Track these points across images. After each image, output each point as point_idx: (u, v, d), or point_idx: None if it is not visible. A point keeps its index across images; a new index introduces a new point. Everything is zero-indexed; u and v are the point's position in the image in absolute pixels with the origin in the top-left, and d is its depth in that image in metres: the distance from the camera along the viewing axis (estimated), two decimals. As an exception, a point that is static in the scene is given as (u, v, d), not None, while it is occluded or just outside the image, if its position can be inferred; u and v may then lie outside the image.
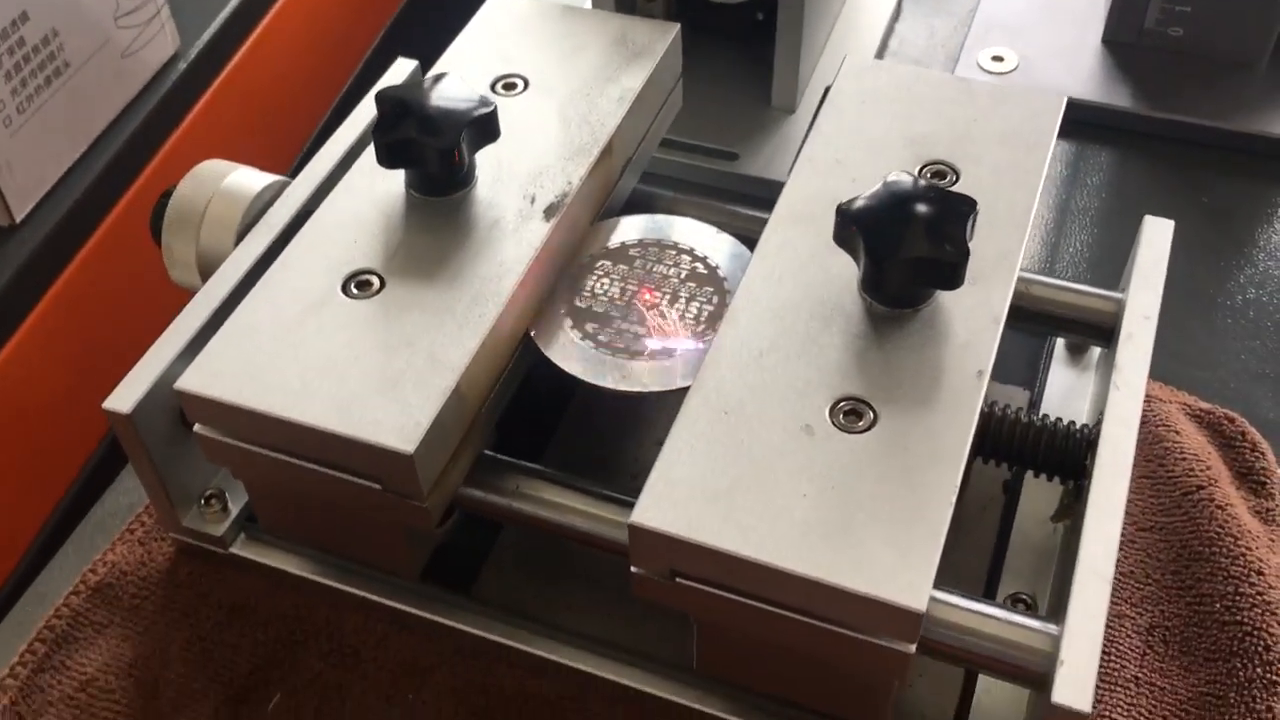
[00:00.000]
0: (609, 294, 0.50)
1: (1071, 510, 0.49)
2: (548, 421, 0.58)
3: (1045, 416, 0.48)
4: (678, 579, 0.41)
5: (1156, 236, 0.53)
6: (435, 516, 0.45)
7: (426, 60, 0.58)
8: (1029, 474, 0.51)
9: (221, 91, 0.80)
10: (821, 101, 0.76)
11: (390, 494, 0.44)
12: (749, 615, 0.40)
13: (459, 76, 0.50)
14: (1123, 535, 0.43)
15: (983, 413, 0.43)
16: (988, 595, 0.50)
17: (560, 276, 0.51)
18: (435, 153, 0.47)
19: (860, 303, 0.46)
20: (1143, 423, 0.48)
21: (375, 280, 0.47)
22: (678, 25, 0.57)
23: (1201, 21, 0.75)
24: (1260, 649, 0.48)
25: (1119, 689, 0.48)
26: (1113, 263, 0.68)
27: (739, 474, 0.41)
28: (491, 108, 0.49)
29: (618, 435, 0.57)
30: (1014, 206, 0.48)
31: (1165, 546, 0.53)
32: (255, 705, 0.50)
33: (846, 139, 0.51)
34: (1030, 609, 0.49)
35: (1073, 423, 0.48)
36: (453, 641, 0.50)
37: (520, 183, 0.50)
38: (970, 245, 0.43)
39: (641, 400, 0.48)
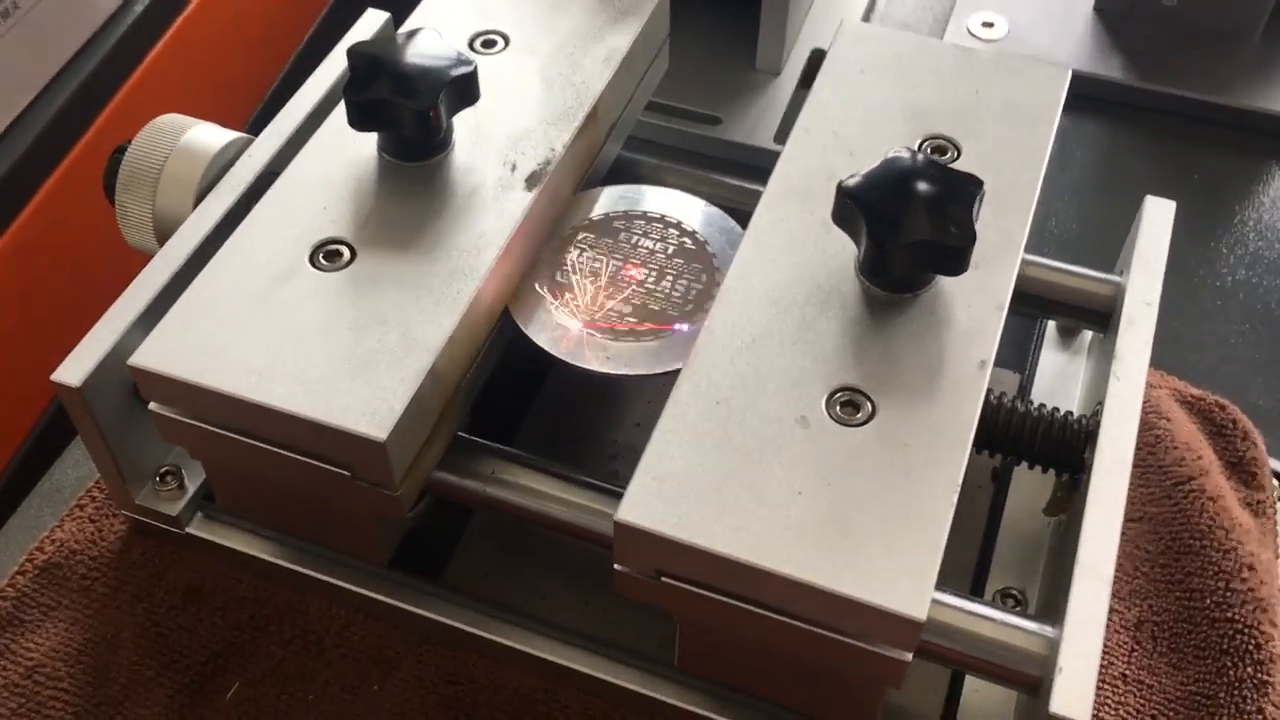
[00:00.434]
0: (592, 269, 0.48)
1: (1065, 504, 0.47)
2: (521, 400, 0.55)
3: (1042, 406, 0.47)
4: (663, 579, 0.39)
5: (1157, 218, 0.51)
6: (407, 505, 0.42)
7: (397, 12, 0.55)
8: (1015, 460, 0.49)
9: (176, 39, 0.76)
10: (807, 66, 0.74)
11: (360, 482, 0.41)
12: (738, 618, 0.38)
13: (435, 32, 0.47)
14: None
15: (982, 404, 0.41)
16: (975, 589, 0.49)
17: (541, 249, 0.48)
18: (411, 114, 0.44)
19: (858, 286, 0.43)
20: (1133, 410, 0.46)
21: (345, 251, 0.44)
22: (666, -19, 0.54)
23: (1196, -9, 0.73)
24: (1251, 647, 0.47)
25: (1106, 686, 0.47)
26: (1099, 240, 0.66)
27: (730, 469, 0.39)
28: (472, 67, 0.46)
29: (594, 416, 0.55)
30: (1017, 186, 0.46)
31: (1154, 538, 0.51)
32: (212, 694, 0.47)
33: (844, 109, 0.49)
34: (1020, 605, 0.48)
35: (1069, 413, 0.46)
36: (421, 630, 0.48)
37: (500, 148, 0.48)
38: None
39: (620, 380, 0.46)
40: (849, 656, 0.38)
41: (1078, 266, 0.52)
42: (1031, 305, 0.52)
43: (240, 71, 0.84)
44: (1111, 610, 0.48)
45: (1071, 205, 0.69)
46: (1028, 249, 0.46)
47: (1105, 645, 0.47)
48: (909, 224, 0.40)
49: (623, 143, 0.55)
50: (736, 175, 0.56)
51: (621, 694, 0.46)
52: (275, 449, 0.42)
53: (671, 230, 0.49)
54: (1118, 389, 0.45)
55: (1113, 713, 0.47)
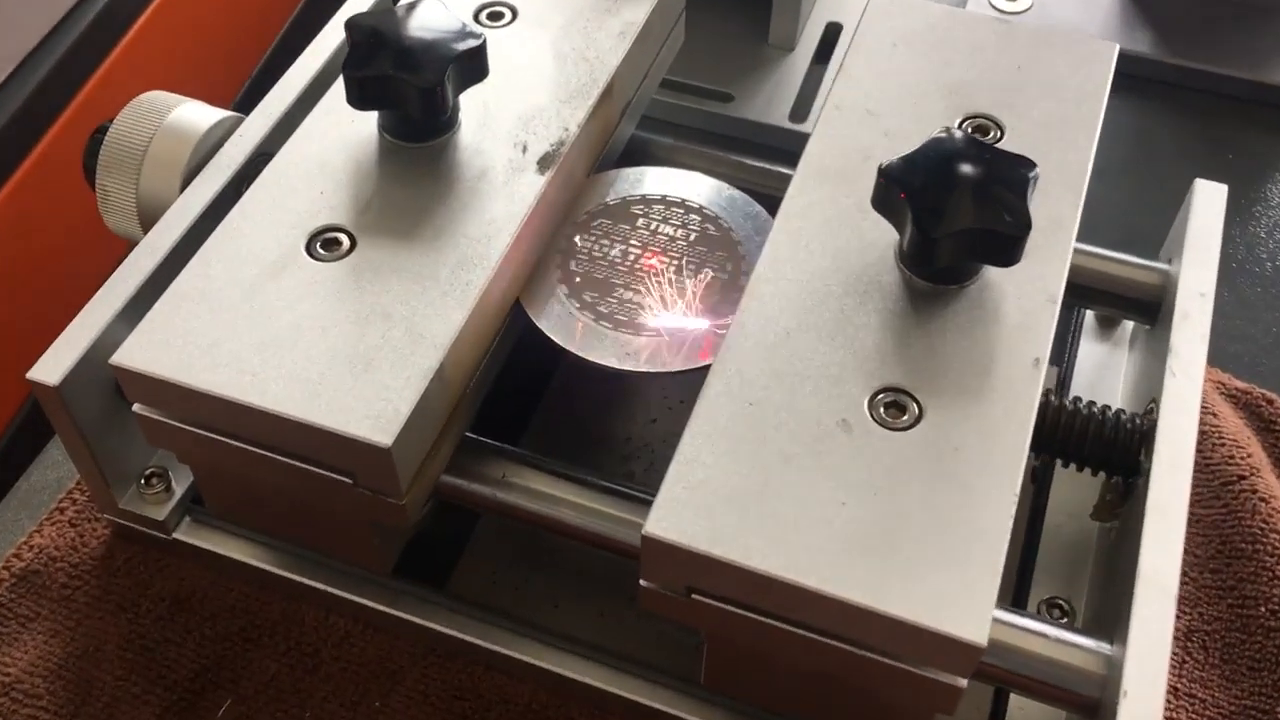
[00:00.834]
0: (609, 258, 0.44)
1: (1116, 508, 0.44)
2: (529, 395, 0.52)
3: (1092, 404, 0.44)
4: (695, 596, 0.36)
5: (1209, 203, 0.48)
6: (414, 514, 0.39)
7: (397, -17, 0.51)
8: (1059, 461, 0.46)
9: (160, 12, 0.73)
10: (822, 40, 0.71)
11: (362, 489, 0.38)
12: (776, 638, 0.35)
13: (440, 3, 0.44)
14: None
15: (1035, 405, 0.38)
16: (1018, 598, 0.46)
17: (554, 236, 0.45)
18: (416, 92, 0.41)
19: (899, 276, 0.40)
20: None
21: (345, 239, 0.41)
22: (683, -50, 0.51)
23: (1231, -38, 0.70)
24: (1310, 659, 0.44)
25: (1157, 700, 0.44)
26: (1130, 223, 0.63)
27: (767, 477, 0.35)
28: (480, 40, 0.42)
29: (607, 412, 0.52)
30: (1066, 167, 0.43)
31: (1203, 541, 0.49)
32: (202, 712, 0.45)
33: (878, 86, 0.46)
34: (1067, 616, 0.45)
35: (1121, 412, 0.43)
36: (425, 642, 0.45)
37: (510, 128, 0.44)
38: (1028, 215, 0.38)
39: (636, 374, 0.43)
40: (898, 681, 0.35)
41: (1119, 253, 0.49)
42: (1071, 294, 0.49)
43: (227, 46, 0.80)
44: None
45: (1099, 187, 0.65)
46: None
47: (1154, 657, 0.45)
48: (958, 211, 0.37)
49: (636, 123, 0.51)
50: (753, 155, 0.53)
51: (640, 711, 0.43)
52: (270, 454, 0.39)
53: (693, 215, 0.46)
54: (1175, 386, 0.42)
55: (1164, 729, 0.44)
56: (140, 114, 0.49)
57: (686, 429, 0.37)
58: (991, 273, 0.40)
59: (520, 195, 0.42)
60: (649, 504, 0.41)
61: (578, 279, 0.44)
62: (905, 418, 0.37)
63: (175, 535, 0.47)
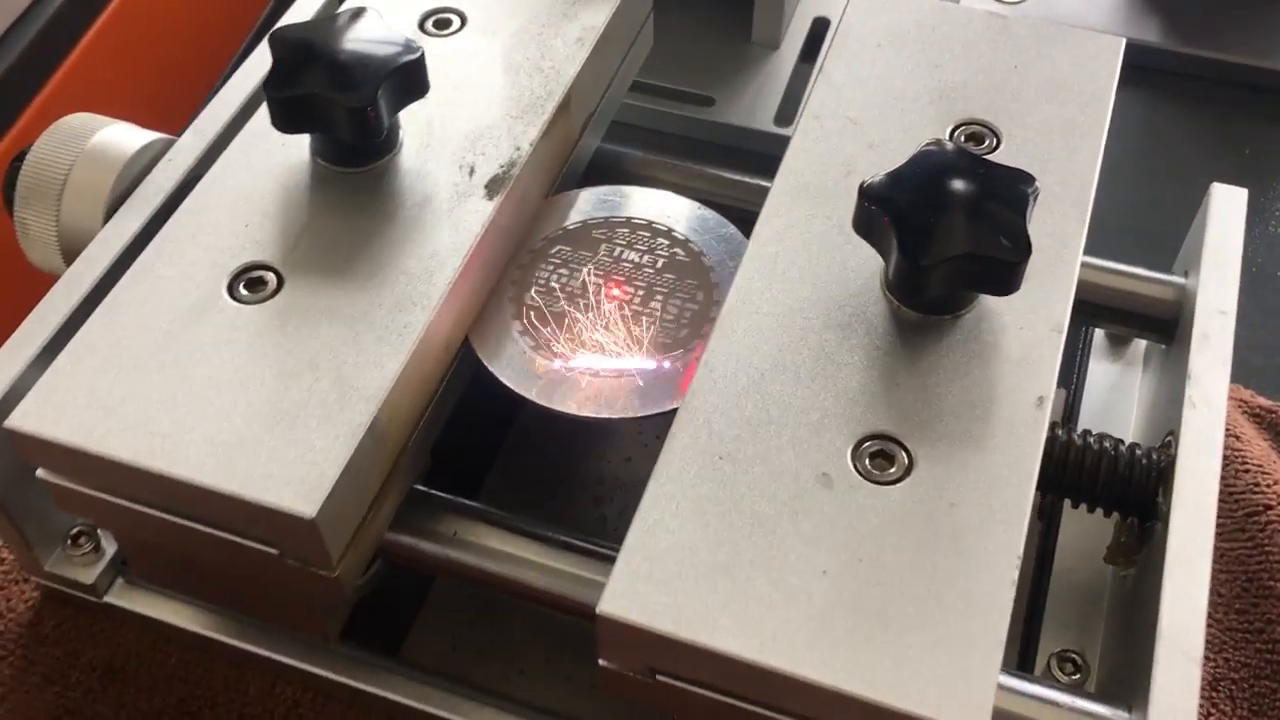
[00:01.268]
0: (568, 289, 0.40)
1: (1132, 552, 0.40)
2: (490, 434, 0.48)
3: (1103, 439, 0.39)
4: (659, 677, 0.32)
5: (1227, 210, 0.44)
6: (349, 586, 0.35)
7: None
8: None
9: (105, 31, 0.68)
10: (809, 37, 0.67)
11: (290, 561, 0.34)
12: (753, 725, 0.31)
13: (376, 12, 0.40)
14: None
15: (1040, 448, 0.34)
16: (1026, 649, 0.42)
17: (507, 267, 0.41)
18: (345, 113, 0.37)
19: (885, 306, 0.36)
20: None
21: (271, 278, 0.37)
22: (648, -54, 0.47)
23: (1242, -56, 0.66)
24: (1349, 710, 0.40)
25: (1181, 759, 0.40)
26: (1138, 229, 0.59)
27: (738, 543, 0.31)
28: (418, 53, 0.38)
29: (577, 450, 0.48)
30: (1070, 178, 0.39)
31: (1228, 579, 0.45)
32: (137, 795, 0.41)
33: (860, 91, 0.41)
34: (1080, 671, 0.41)
35: (1135, 447, 0.39)
36: (380, 712, 0.41)
37: (456, 149, 0.40)
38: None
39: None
40: (890, 774, 0.31)
41: (1130, 266, 0.45)
42: (1080, 311, 0.45)
43: (181, 66, 0.76)
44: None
45: (1104, 187, 0.61)
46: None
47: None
48: (949, 235, 0.33)
49: (601, 136, 0.47)
50: (735, 167, 0.49)
51: (614, 787, 0.39)
52: (188, 523, 0.35)
53: (661, 239, 0.42)
54: (1194, 419, 0.38)
55: (1190, 792, 0.40)
56: (60, 139, 0.45)
57: (647, 489, 0.33)
58: (989, 300, 0.36)
59: (466, 224, 0.38)
60: (613, 560, 0.38)
61: (533, 314, 0.40)
62: (893, 469, 0.33)
63: (107, 599, 0.43)
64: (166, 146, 0.45)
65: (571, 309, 0.40)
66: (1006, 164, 0.35)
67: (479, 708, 0.40)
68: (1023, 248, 0.33)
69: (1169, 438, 0.39)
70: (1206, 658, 0.43)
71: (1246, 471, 0.46)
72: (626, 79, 0.48)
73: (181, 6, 0.76)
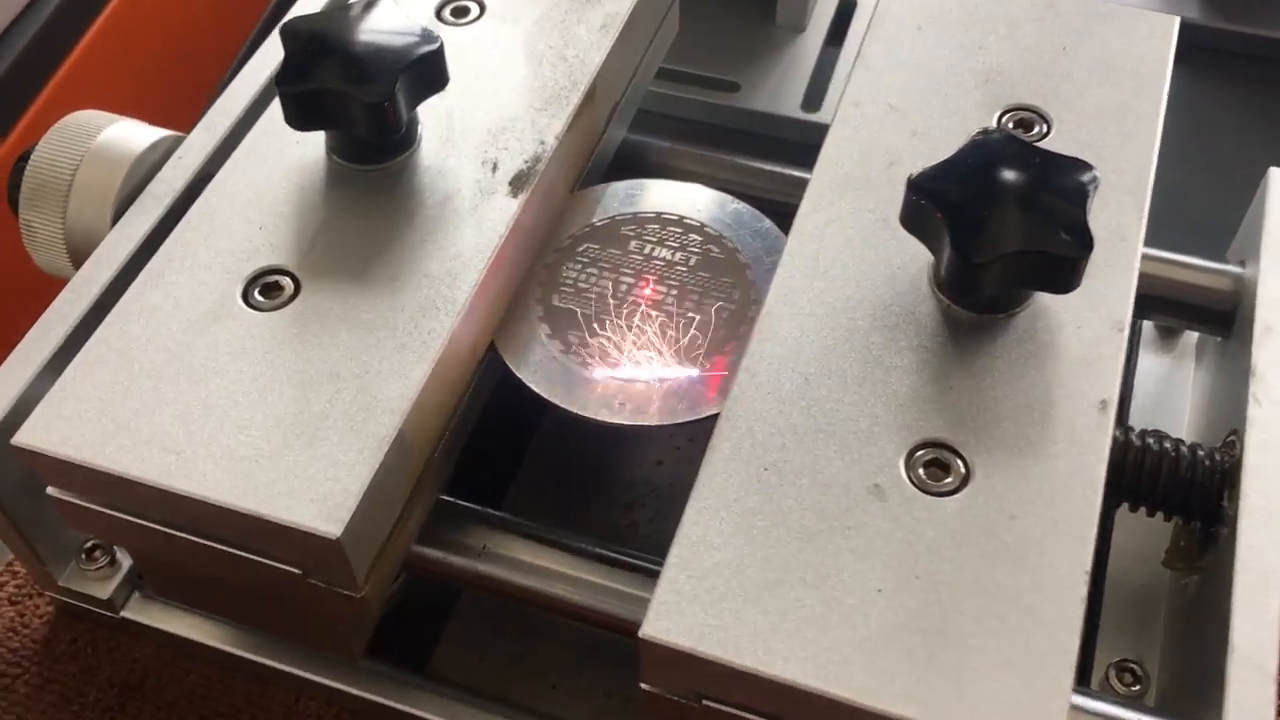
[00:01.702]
0: (597, 289, 0.38)
1: (1194, 558, 0.38)
2: (515, 439, 0.46)
3: (1163, 439, 0.37)
4: (706, 702, 0.30)
5: (1286, 195, 0.41)
6: (375, 605, 0.34)
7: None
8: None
9: (109, 26, 0.66)
10: (835, 19, 0.65)
11: (314, 582, 0.32)
12: (806, 752, 0.30)
13: (392, 1, 0.38)
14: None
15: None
16: (1082, 658, 0.40)
17: (533, 267, 0.39)
18: (362, 108, 0.35)
19: (935, 305, 0.34)
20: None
21: (287, 283, 0.35)
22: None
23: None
24: None
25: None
26: (1182, 213, 0.57)
27: (787, 560, 0.30)
28: (437, 44, 0.36)
29: (606, 454, 0.46)
30: (1127, 166, 0.37)
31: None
32: (157, 819, 0.39)
33: (901, 77, 0.40)
34: (1140, 683, 0.39)
35: (1196, 447, 0.37)
36: (407, 730, 0.40)
37: (478, 143, 0.38)
38: (1087, 229, 0.32)
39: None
40: (953, 804, 0.29)
41: (1183, 255, 0.43)
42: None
43: (185, 62, 0.74)
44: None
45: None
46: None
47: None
48: (1005, 230, 0.31)
49: (627, 126, 0.45)
50: (760, 154, 0.47)
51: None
52: (205, 542, 0.33)
53: (693, 235, 0.40)
54: (1260, 417, 0.36)
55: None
56: (65, 137, 0.44)
57: (689, 502, 0.31)
58: (1044, 297, 0.34)
59: (490, 223, 0.36)
60: (651, 573, 0.36)
61: (561, 316, 0.38)
62: (949, 479, 0.31)
63: (124, 614, 0.42)
64: (175, 144, 0.44)
65: (601, 310, 0.38)
66: (1060, 151, 0.33)
67: (506, 724, 0.39)
68: (1084, 242, 0.31)
69: (1231, 437, 0.37)
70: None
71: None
72: (652, 66, 0.46)
73: (178, 8, 0.74)
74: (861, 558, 0.30)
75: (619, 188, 0.41)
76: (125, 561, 0.42)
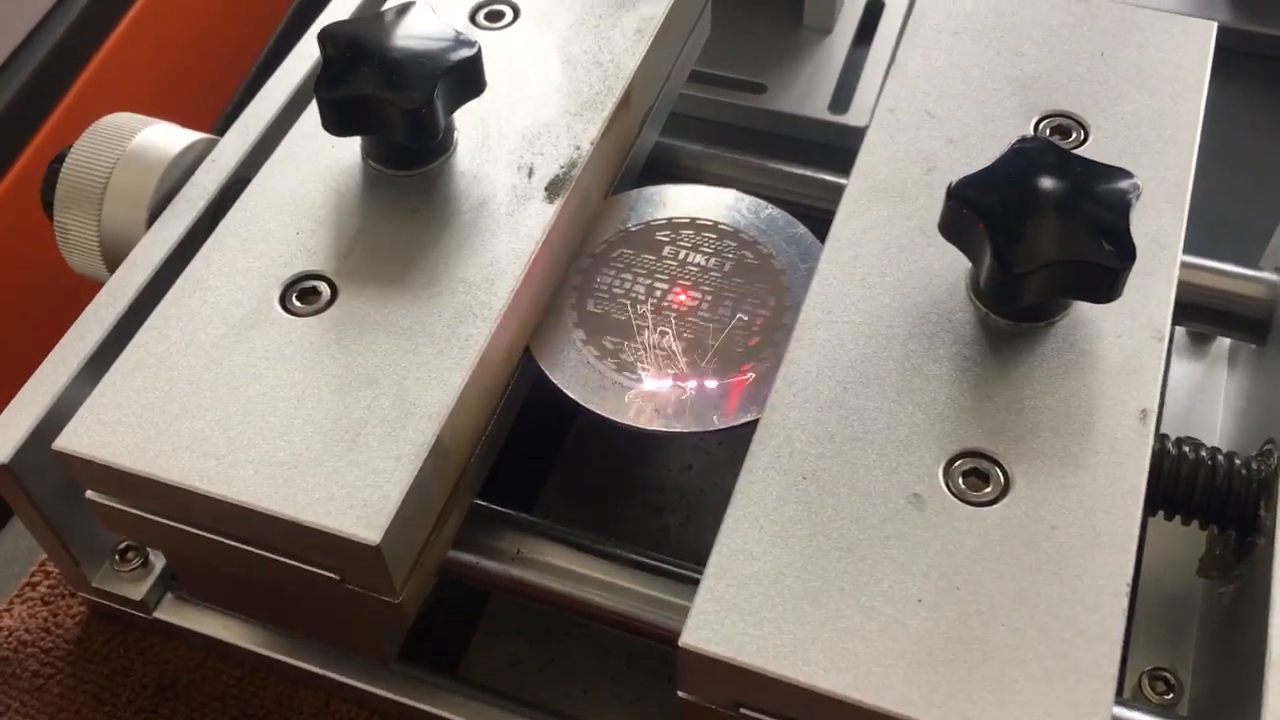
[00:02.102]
0: (631, 295, 0.38)
1: (1229, 567, 0.38)
2: (546, 444, 0.46)
3: (1199, 447, 0.37)
4: (744, 711, 0.30)
5: (1322, 202, 0.41)
6: (412, 611, 0.34)
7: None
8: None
9: (134, 27, 0.67)
10: (863, 20, 0.65)
11: (351, 586, 0.33)
12: (845, 762, 0.29)
13: (428, 5, 0.38)
14: None
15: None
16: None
17: (568, 272, 0.39)
18: (400, 114, 0.35)
19: (974, 313, 0.34)
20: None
21: (324, 288, 0.35)
22: (706, -68, 0.45)
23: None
24: None
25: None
26: (1214, 217, 0.57)
27: (827, 570, 0.30)
28: (475, 49, 0.36)
29: (637, 457, 0.46)
30: (1166, 173, 0.37)
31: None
32: (191, 820, 0.39)
33: (938, 83, 0.39)
34: (1173, 691, 0.39)
35: (1234, 455, 0.37)
36: (439, 733, 0.40)
37: (513, 149, 0.38)
38: (1128, 239, 0.31)
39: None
40: (993, 816, 0.29)
41: (1217, 261, 0.43)
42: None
43: (210, 61, 0.74)
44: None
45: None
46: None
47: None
48: (1046, 239, 0.31)
49: (659, 130, 0.45)
50: (788, 155, 0.47)
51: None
52: (243, 546, 0.33)
53: (727, 241, 0.40)
54: (1299, 427, 0.36)
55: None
56: (100, 140, 0.44)
57: (728, 511, 0.31)
58: (1083, 305, 0.34)
59: (526, 229, 0.36)
60: (685, 580, 0.36)
61: (596, 321, 0.38)
62: (989, 489, 0.31)
63: (156, 615, 0.42)
64: (209, 147, 0.44)
65: (636, 316, 0.38)
66: (1097, 158, 0.33)
67: (539, 728, 0.39)
68: (1126, 252, 0.31)
69: (1268, 445, 0.37)
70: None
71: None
72: (685, 70, 0.46)
73: (207, 2, 0.74)
74: (901, 568, 0.30)
75: (653, 192, 0.41)
76: (158, 562, 0.42)
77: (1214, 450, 0.37)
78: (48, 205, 0.45)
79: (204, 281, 0.36)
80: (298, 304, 0.35)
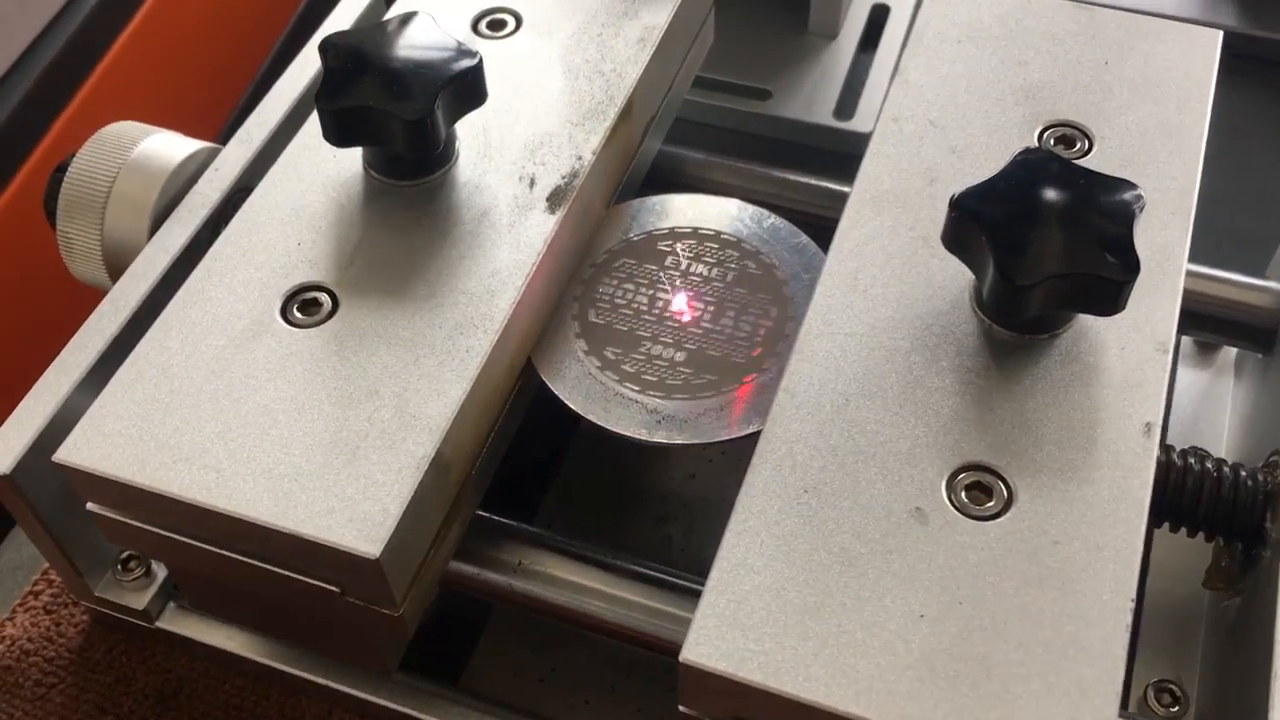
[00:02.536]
0: (633, 305, 0.38)
1: (1235, 579, 0.38)
2: (547, 453, 0.46)
3: (1204, 459, 0.37)
4: (745, 726, 0.30)
5: (1329, 211, 0.41)
6: (412, 624, 0.34)
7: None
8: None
9: (138, 34, 0.67)
10: (868, 26, 0.64)
11: (351, 600, 0.32)
12: (847, 778, 0.29)
13: (430, 15, 0.38)
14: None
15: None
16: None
17: (570, 282, 0.39)
18: (401, 125, 0.35)
19: (977, 325, 0.34)
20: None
21: (325, 300, 0.35)
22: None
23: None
24: None
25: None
26: (1219, 223, 0.56)
27: (828, 585, 0.30)
28: (476, 59, 0.36)
29: (639, 466, 0.46)
30: (1171, 184, 0.37)
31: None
32: (192, 831, 0.39)
33: (941, 92, 0.39)
34: (1179, 704, 0.39)
35: (1240, 467, 0.37)
36: (441, 744, 0.40)
37: (515, 159, 0.38)
38: (1132, 251, 0.31)
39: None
40: (995, 833, 0.29)
41: (1221, 270, 0.43)
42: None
43: (214, 70, 0.74)
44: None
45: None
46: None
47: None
48: (1050, 252, 0.31)
49: (662, 139, 0.45)
50: (792, 163, 0.47)
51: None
52: (243, 559, 0.33)
53: (730, 251, 0.40)
54: (1305, 439, 0.35)
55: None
56: (103, 149, 0.44)
57: (729, 525, 0.31)
58: (1088, 317, 0.34)
59: (528, 239, 0.36)
60: (687, 591, 0.36)
61: (597, 332, 0.38)
62: (992, 503, 0.31)
63: (159, 624, 0.42)
64: (211, 155, 0.44)
65: (636, 326, 0.38)
66: (1101, 169, 0.33)
67: (542, 740, 0.39)
68: (1130, 265, 0.31)
69: (1274, 457, 0.37)
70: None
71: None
72: (688, 79, 0.46)
73: (211, 10, 0.74)
74: (903, 582, 0.30)
75: (655, 202, 0.41)
76: (161, 572, 0.42)
77: (1220, 461, 0.37)
78: (50, 214, 0.45)
79: (205, 293, 0.36)
80: (299, 315, 0.35)
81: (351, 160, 0.39)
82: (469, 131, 0.39)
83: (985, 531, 0.30)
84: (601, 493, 0.46)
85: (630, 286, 0.39)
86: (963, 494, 0.31)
